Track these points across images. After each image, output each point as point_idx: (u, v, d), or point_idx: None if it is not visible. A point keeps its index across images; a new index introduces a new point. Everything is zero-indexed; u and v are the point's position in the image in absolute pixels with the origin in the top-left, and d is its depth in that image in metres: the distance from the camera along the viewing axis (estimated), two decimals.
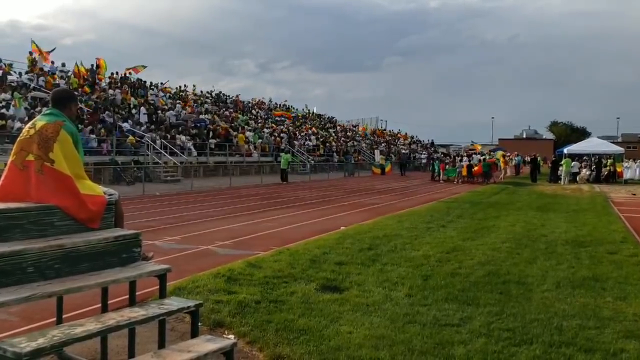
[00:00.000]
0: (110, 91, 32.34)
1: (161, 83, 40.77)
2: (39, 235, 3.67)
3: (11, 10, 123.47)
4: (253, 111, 46.88)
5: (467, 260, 8.51)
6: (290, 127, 45.12)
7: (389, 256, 8.66)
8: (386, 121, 78.23)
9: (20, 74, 28.88)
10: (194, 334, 3.80)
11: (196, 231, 11.35)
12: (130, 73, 36.78)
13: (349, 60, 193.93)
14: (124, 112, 29.03)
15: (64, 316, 4.65)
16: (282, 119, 47.70)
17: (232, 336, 5.11)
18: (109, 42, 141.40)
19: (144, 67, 36.57)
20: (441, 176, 33.85)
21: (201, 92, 44.64)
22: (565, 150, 36.64)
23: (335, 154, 44.21)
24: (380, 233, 10.85)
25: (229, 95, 48.05)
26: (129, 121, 27.32)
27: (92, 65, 35.14)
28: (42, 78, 29.21)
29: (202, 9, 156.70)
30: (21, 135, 3.93)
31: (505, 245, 9.84)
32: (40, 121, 3.95)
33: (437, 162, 35.82)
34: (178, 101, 36.52)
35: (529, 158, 47.92)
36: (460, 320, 5.46)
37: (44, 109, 23.66)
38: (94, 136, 23.17)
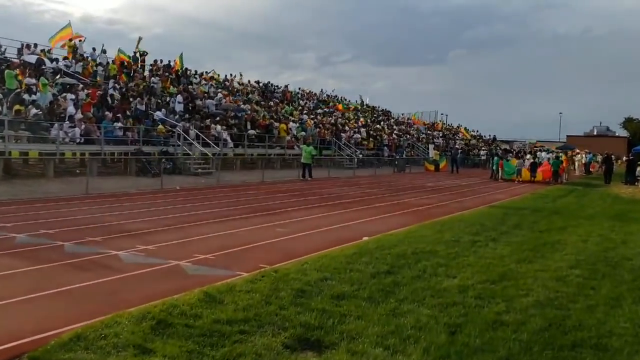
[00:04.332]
0: (153, 79, 31.10)
1: (206, 72, 39.36)
2: None
3: (85, 5, 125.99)
4: (301, 102, 44.85)
5: (519, 297, 6.09)
6: (339, 119, 42.78)
7: (412, 286, 6.34)
8: (447, 115, 74.68)
9: (57, 60, 27.92)
10: None
11: (183, 237, 9.34)
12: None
13: (412, 53, 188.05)
14: (160, 101, 27.60)
15: None
16: (331, 110, 45.47)
17: None
18: (176, 35, 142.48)
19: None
20: (500, 175, 30.76)
21: (248, 81, 42.96)
22: None
23: (386, 147, 41.56)
24: (409, 248, 8.50)
25: (277, 86, 46.22)
26: (163, 110, 25.81)
27: (135, 52, 34.04)
28: (79, 64, 28.19)
29: (265, 2, 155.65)
30: None
31: (574, 273, 7.30)
32: None
33: (496, 158, 32.61)
34: (219, 90, 34.94)
35: (600, 157, 43.72)
36: None
37: (68, 94, 22.54)
38: (119, 124, 21.70)
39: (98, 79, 26.97)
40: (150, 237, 9.19)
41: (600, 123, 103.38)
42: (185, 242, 9.00)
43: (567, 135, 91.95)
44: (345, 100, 55.37)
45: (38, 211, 11.94)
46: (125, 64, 31.91)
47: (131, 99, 25.38)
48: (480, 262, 7.83)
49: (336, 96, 54.37)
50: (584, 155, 44.40)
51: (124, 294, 5.90)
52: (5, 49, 27.65)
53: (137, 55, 33.80)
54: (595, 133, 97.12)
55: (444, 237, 9.81)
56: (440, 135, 58.43)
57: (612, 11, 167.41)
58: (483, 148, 54.93)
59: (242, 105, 32.58)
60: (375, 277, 6.72)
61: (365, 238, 9.63)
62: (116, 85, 27.27)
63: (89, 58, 30.45)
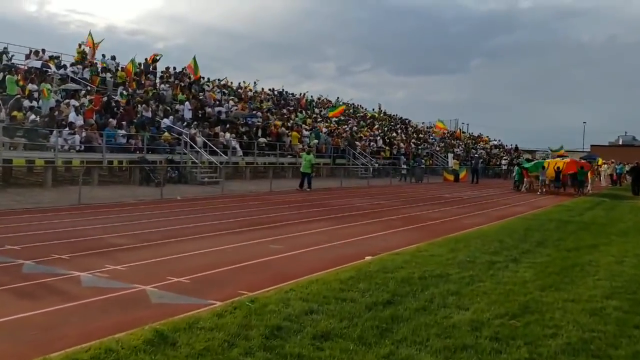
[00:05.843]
0: (162, 86, 30.46)
1: (219, 79, 38.65)
2: None
3: (108, 16, 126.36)
4: (316, 110, 43.85)
5: (545, 338, 4.95)
6: (354, 127, 41.66)
7: (414, 322, 5.25)
8: (468, 124, 73.08)
9: (64, 66, 27.39)
10: None
11: (162, 256, 8.32)
12: None
13: (433, 62, 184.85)
14: (169, 108, 26.83)
15: None
16: (345, 118, 44.22)
17: None
18: (197, 45, 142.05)
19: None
20: (524, 185, 29.38)
21: (262, 89, 42.17)
22: None
23: (402, 157, 40.29)
24: (416, 271, 7.39)
25: (292, 94, 45.33)
26: (170, 117, 25.01)
27: (146, 59, 33.50)
28: (86, 70, 27.60)
29: (286, 11, 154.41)
30: None
31: (611, 305, 6.12)
32: None
33: (517, 168, 31.20)
34: (231, 97, 34.15)
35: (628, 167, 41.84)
36: None
37: (72, 100, 21.86)
38: (122, 132, 20.92)
39: (104, 84, 26.26)
40: (124, 255, 8.20)
41: (626, 133, 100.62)
42: (162, 261, 7.98)
43: (591, 145, 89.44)
44: (362, 108, 54.28)
45: (16, 223, 11.06)
46: (137, 71, 31.33)
47: (137, 106, 24.63)
48: (498, 288, 6.70)
49: (353, 104, 53.34)
50: (611, 166, 42.60)
51: (64, 329, 4.89)
52: (13, 55, 27.20)
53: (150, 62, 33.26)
54: (620, 142, 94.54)
55: (457, 257, 8.68)
56: (461, 144, 56.93)
57: (638, 19, 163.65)
58: (505, 157, 53.29)
59: (253, 113, 31.71)
60: (372, 309, 5.63)
61: (368, 258, 8.53)
62: (123, 92, 26.61)
63: (99, 64, 29.95)
